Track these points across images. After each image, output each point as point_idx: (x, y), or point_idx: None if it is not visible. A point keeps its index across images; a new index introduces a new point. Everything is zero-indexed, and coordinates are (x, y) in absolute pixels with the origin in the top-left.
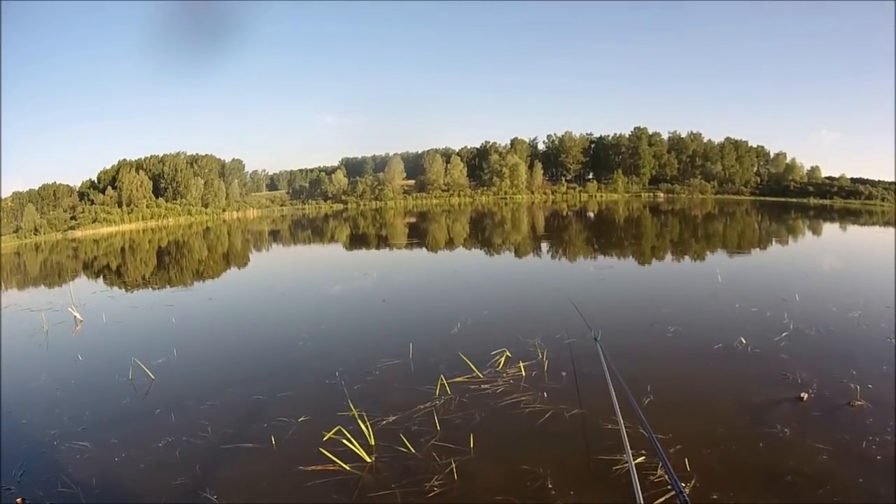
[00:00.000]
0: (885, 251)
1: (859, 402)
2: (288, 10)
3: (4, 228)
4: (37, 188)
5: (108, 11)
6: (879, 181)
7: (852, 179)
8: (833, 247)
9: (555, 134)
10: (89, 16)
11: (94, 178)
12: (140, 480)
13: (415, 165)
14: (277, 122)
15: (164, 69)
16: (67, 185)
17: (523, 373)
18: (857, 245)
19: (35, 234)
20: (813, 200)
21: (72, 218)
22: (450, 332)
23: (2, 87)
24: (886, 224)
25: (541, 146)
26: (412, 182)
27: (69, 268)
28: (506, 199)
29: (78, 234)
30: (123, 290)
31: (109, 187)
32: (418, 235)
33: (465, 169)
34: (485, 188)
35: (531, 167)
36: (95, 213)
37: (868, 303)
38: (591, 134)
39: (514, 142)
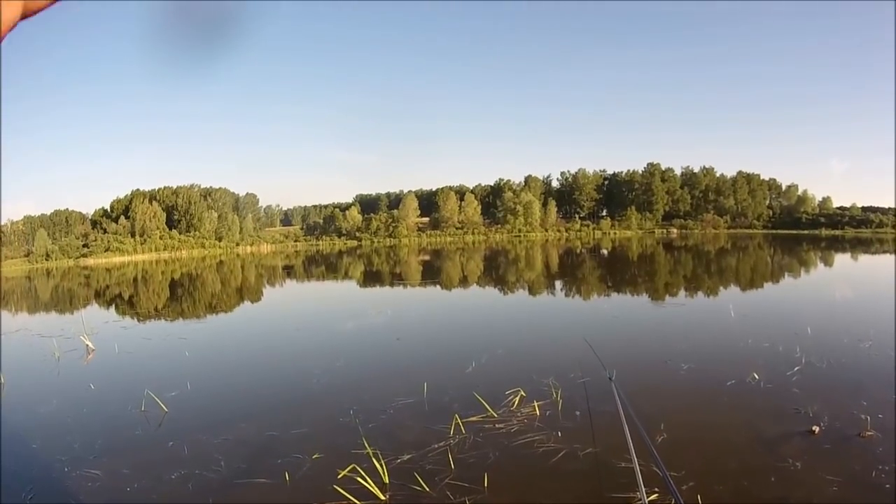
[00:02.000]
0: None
1: (869, 433)
2: (301, 41)
3: (15, 251)
4: (49, 213)
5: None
6: (890, 208)
7: (863, 208)
8: (844, 277)
9: (568, 171)
10: (100, 43)
11: (107, 207)
12: None
13: (429, 203)
14: (291, 158)
15: (176, 101)
16: (80, 213)
17: (537, 412)
18: (867, 274)
19: (46, 260)
20: (825, 231)
21: (84, 245)
22: (464, 371)
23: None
24: None
25: (554, 183)
26: (426, 219)
27: (81, 295)
28: (520, 236)
29: (90, 261)
30: (136, 320)
31: (122, 217)
32: (432, 273)
33: (479, 206)
34: (499, 226)
35: (545, 205)
36: (108, 241)
37: (879, 332)
38: (604, 171)
39: (527, 179)
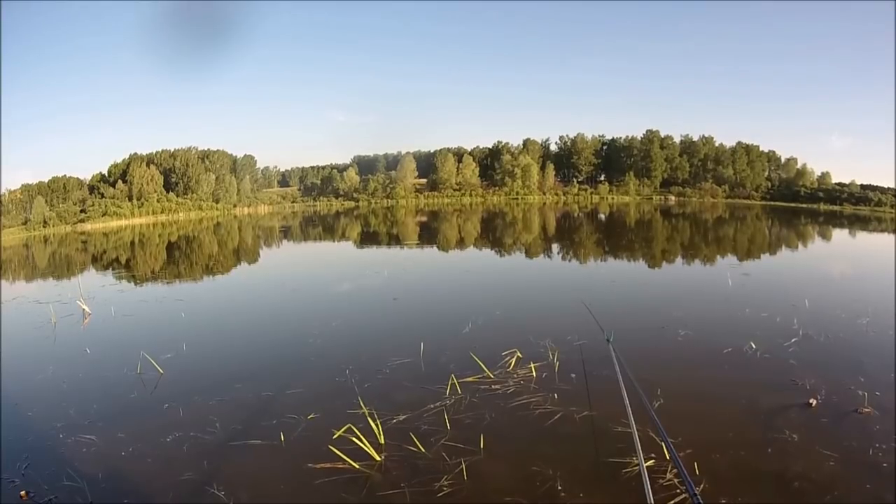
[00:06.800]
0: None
1: (867, 409)
2: (298, 6)
3: (13, 220)
4: (46, 180)
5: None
6: (889, 188)
7: (862, 186)
8: (842, 253)
9: (567, 135)
10: (95, 8)
11: (105, 172)
12: (147, 475)
13: (427, 164)
14: (289, 119)
15: (174, 64)
16: (77, 178)
17: (534, 374)
18: (865, 251)
19: (44, 227)
20: (823, 206)
21: (81, 211)
22: (461, 331)
23: (2, 80)
24: None
25: (553, 147)
26: (424, 181)
27: (78, 260)
28: (517, 199)
29: (87, 227)
30: (133, 283)
31: (120, 181)
32: (430, 234)
33: (477, 169)
34: (496, 188)
35: (543, 168)
36: (105, 206)
37: (877, 310)
38: (603, 136)
39: (526, 142)
